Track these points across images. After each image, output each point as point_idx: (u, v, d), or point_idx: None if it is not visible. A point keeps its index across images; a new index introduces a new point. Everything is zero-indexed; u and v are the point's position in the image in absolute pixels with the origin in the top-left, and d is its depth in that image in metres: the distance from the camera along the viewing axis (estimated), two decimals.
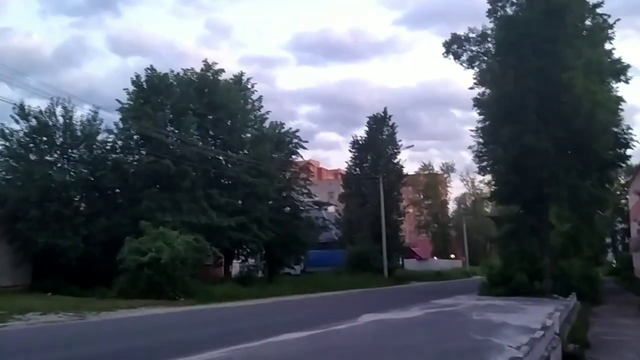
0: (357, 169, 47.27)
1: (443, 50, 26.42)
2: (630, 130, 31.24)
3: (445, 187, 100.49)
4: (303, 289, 28.70)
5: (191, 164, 25.98)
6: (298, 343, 10.58)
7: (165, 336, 11.83)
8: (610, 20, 26.59)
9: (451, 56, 26.58)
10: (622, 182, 54.82)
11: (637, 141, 29.92)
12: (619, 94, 29.43)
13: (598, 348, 13.03)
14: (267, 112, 31.47)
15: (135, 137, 26.96)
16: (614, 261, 62.30)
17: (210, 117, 28.28)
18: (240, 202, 29.18)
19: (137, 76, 27.97)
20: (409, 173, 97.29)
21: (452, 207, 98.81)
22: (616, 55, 29.41)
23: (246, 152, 30.34)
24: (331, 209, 52.41)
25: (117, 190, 27.29)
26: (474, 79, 26.15)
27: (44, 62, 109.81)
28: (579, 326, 15.35)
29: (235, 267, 33.83)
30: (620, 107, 29.23)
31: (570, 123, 23.06)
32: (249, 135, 30.96)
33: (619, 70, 30.19)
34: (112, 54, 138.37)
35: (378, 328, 13.19)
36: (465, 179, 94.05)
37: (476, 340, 10.66)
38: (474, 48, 26.26)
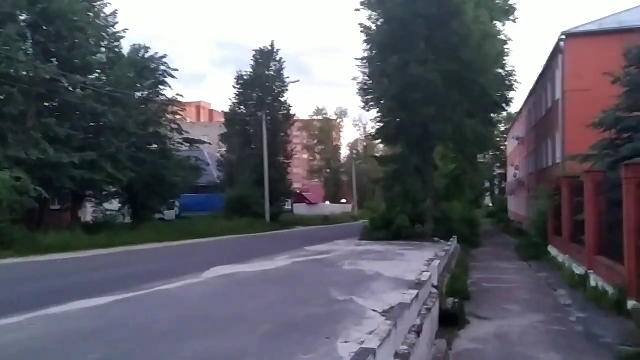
0: (242, 106, 43.47)
1: None
2: (514, 72, 31.08)
3: (338, 133, 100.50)
4: (169, 236, 25.30)
5: (20, 85, 20.87)
6: (85, 316, 7.45)
7: None
8: None
9: None
10: (502, 129, 56.84)
11: (520, 83, 29.60)
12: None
13: (479, 299, 11.38)
14: (124, 30, 26.44)
15: None
16: (491, 204, 65.29)
17: (49, 29, 22.81)
18: (90, 135, 24.52)
19: None
20: (304, 118, 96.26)
21: (344, 152, 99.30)
22: None
23: (97, 75, 25.35)
24: (212, 149, 48.53)
25: None
26: (362, 4, 23.28)
27: None
28: (459, 274, 13.82)
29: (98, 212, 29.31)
30: (507, 47, 28.55)
31: (460, 54, 21.29)
32: (102, 56, 25.84)
33: (508, 10, 29.35)
34: None
35: (219, 287, 10.36)
36: (357, 124, 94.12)
37: (335, 302, 8.19)
38: None
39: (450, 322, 9.11)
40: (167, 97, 30.97)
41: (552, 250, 18.53)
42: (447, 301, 9.67)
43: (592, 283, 11.80)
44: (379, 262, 14.16)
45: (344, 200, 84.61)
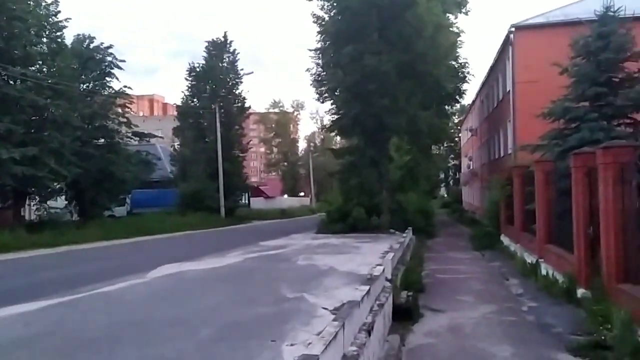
0: (195, 99, 42.39)
1: None
2: (467, 64, 31.62)
3: (295, 125, 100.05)
4: (119, 233, 24.39)
5: None
6: (13, 323, 6.90)
7: None
8: None
9: None
10: (456, 121, 57.87)
11: (473, 75, 30.07)
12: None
13: (433, 291, 11.26)
14: (67, 20, 25.07)
15: None
16: (446, 195, 66.39)
17: None
18: (32, 130, 23.23)
19: None
20: (261, 111, 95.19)
21: (302, 145, 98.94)
22: None
23: (38, 67, 24.02)
24: (165, 142, 47.26)
25: None
26: None
27: None
28: (414, 266, 13.71)
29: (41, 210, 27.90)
30: (459, 40, 28.95)
31: (413, 45, 21.25)
32: (43, 47, 24.47)
33: (460, 3, 29.73)
34: None
35: (163, 287, 9.85)
36: (314, 117, 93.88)
37: (285, 301, 7.85)
38: None
39: (404, 316, 8.93)
40: (114, 89, 29.76)
41: (505, 240, 18.77)
42: (400, 295, 9.49)
43: (543, 271, 11.91)
44: (333, 256, 13.91)
45: (302, 193, 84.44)
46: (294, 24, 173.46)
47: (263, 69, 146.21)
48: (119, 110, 29.96)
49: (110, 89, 29.74)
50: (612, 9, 14.31)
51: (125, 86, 29.83)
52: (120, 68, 29.47)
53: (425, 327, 8.40)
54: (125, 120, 29.82)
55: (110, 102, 29.35)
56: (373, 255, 13.61)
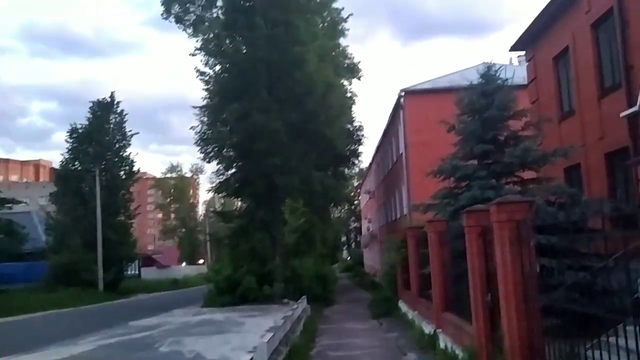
0: (77, 162, 38.90)
1: (162, 9, 21.49)
2: (362, 127, 32.00)
3: (195, 190, 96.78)
4: None
5: None
6: None
7: None
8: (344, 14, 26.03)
9: (173, 19, 21.82)
10: (356, 184, 58.47)
11: (368, 138, 30.23)
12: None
13: None
14: None
15: None
16: (349, 258, 65.87)
17: None
18: None
19: None
20: (158, 176, 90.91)
21: (202, 210, 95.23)
22: (350, 52, 29.68)
23: None
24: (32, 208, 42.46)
25: None
26: (197, 49, 21.70)
27: None
28: (303, 343, 12.00)
29: None
30: (353, 103, 29.20)
31: (304, 104, 20.53)
32: None
33: (353, 68, 30.32)
34: None
35: None
36: (213, 181, 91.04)
37: None
38: (199, 12, 21.96)
39: None
40: None
41: (403, 306, 17.67)
42: None
43: (442, 344, 10.70)
44: (208, 338, 11.87)
45: (201, 261, 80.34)
46: (196, 87, 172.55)
47: (163, 134, 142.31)
48: None
49: None
50: (494, 68, 14.39)
51: None
52: None
53: None
54: None
55: None
56: (256, 334, 11.73)
